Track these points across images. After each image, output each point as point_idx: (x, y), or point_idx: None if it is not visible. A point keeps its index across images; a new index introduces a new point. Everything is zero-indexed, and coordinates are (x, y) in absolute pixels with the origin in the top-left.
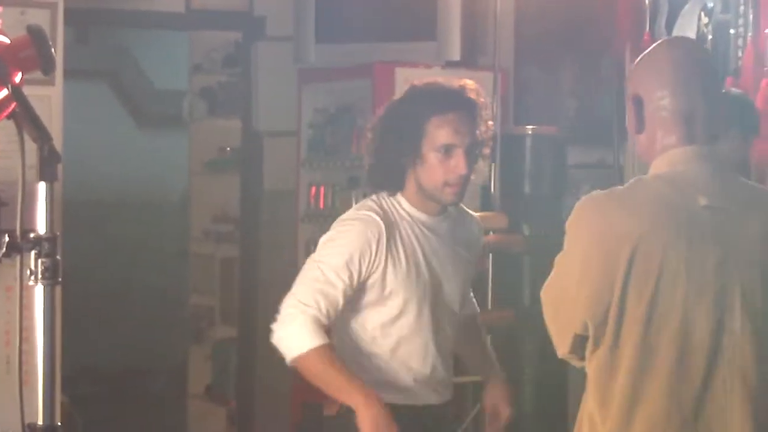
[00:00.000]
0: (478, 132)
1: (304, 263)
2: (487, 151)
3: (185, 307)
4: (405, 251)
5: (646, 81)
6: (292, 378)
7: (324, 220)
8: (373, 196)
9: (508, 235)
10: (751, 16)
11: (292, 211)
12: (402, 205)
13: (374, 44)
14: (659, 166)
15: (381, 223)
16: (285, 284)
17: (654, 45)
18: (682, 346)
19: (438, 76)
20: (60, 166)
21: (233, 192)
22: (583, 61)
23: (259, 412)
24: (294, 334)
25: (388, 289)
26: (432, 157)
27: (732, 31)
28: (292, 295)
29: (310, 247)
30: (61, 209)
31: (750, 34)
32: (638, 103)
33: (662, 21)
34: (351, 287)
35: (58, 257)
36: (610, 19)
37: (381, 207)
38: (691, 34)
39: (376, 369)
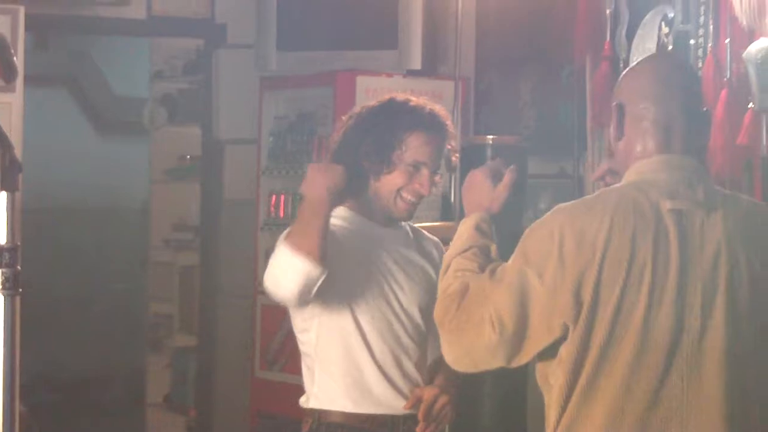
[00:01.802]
0: (443, 160)
1: (263, 273)
2: (437, 178)
3: (144, 316)
4: (346, 259)
5: (630, 90)
6: (250, 387)
7: (284, 229)
8: None
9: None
10: (711, 27)
11: (252, 220)
12: (344, 213)
13: (335, 52)
14: (630, 174)
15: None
16: (245, 293)
17: (644, 57)
18: (643, 343)
19: (410, 94)
20: (20, 176)
21: (193, 200)
22: (543, 71)
23: (218, 422)
24: (276, 259)
25: (335, 298)
26: (400, 170)
27: (692, 41)
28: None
29: (270, 255)
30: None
31: (710, 44)
32: (620, 110)
33: (623, 31)
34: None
35: (19, 267)
36: (570, 29)
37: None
38: (652, 45)
39: (354, 380)
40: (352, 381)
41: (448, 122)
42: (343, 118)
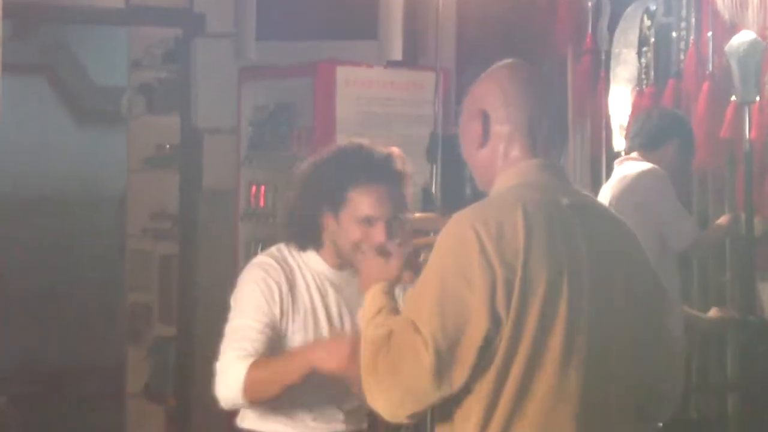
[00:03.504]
0: (400, 201)
1: (243, 263)
2: (407, 215)
3: (123, 306)
4: (303, 301)
5: (492, 97)
6: None
7: (264, 219)
8: (278, 246)
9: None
10: (693, 20)
11: (231, 210)
12: (310, 259)
13: (315, 42)
14: (508, 178)
15: (279, 270)
16: (224, 282)
17: (494, 66)
18: (565, 342)
19: (365, 139)
20: None
21: (172, 189)
22: (524, 61)
23: (197, 411)
24: (228, 378)
25: (286, 339)
26: (351, 226)
27: (674, 34)
28: (219, 359)
29: (251, 245)
30: None
31: (692, 37)
32: (485, 117)
33: (604, 23)
34: (271, 321)
35: None
36: (552, 21)
37: (282, 254)
38: (634, 37)
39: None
40: (287, 403)
41: (400, 166)
42: (299, 168)
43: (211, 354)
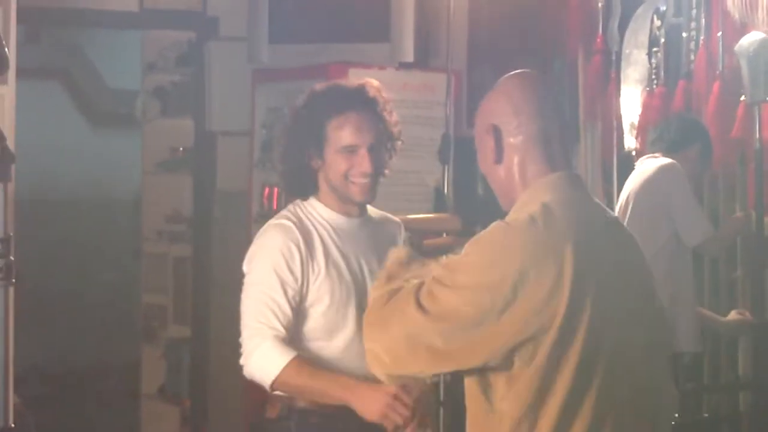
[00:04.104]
0: (381, 128)
1: None
2: (398, 144)
3: (138, 307)
4: (324, 257)
5: (503, 111)
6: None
7: None
8: (289, 206)
9: (462, 238)
10: (703, 20)
11: (244, 212)
12: (317, 209)
13: (327, 45)
14: (537, 195)
15: (296, 230)
16: (238, 284)
17: (502, 78)
18: (590, 350)
19: (343, 79)
20: (13, 167)
21: (186, 192)
22: (535, 63)
23: (212, 412)
24: (262, 360)
25: (310, 298)
26: (336, 159)
27: (684, 34)
28: (245, 327)
29: None
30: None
31: (702, 37)
32: (497, 132)
33: (615, 24)
34: (294, 291)
35: (12, 258)
36: (562, 21)
37: (296, 215)
38: (644, 38)
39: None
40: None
41: (374, 93)
42: (283, 121)
43: (225, 355)
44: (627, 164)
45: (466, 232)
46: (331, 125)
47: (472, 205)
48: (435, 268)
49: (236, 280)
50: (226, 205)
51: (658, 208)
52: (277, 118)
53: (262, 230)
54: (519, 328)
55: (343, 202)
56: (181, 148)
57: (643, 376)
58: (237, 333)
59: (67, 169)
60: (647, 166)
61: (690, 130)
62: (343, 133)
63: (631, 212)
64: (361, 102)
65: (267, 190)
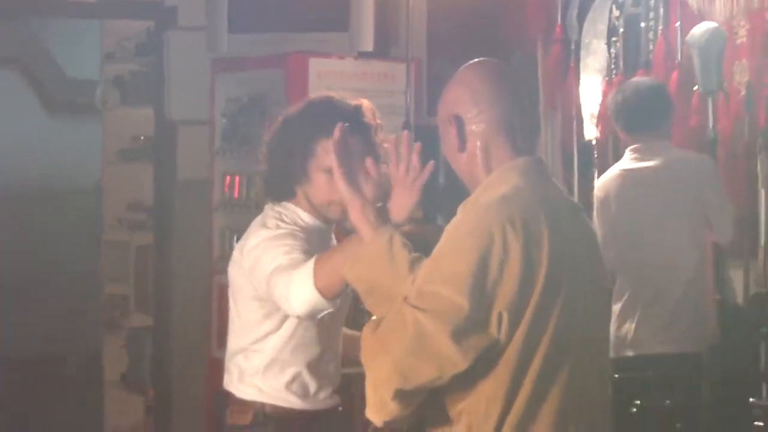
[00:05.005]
0: (370, 154)
1: (218, 253)
2: (383, 167)
3: (100, 296)
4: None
5: (463, 100)
6: (207, 367)
7: (239, 210)
8: (274, 211)
9: (423, 226)
10: (661, 10)
11: (206, 200)
12: (299, 215)
13: (287, 34)
14: (509, 177)
15: (291, 233)
16: (199, 273)
17: (462, 67)
18: (560, 337)
19: (334, 92)
20: None
21: (147, 181)
22: (495, 52)
23: (176, 401)
24: (299, 281)
25: None
26: (318, 178)
27: (643, 24)
28: (276, 270)
29: (225, 235)
30: None
31: (661, 27)
32: (459, 121)
33: (573, 14)
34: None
35: None
36: (522, 11)
37: (290, 223)
38: (603, 27)
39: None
40: (297, 378)
41: (369, 118)
42: (277, 119)
43: (188, 344)
44: (587, 153)
45: (428, 220)
46: (322, 144)
47: (433, 194)
48: (419, 271)
49: (198, 269)
50: (188, 194)
51: (692, 206)
52: (238, 107)
53: (278, 228)
54: (509, 299)
55: (316, 211)
56: (141, 137)
57: (602, 361)
58: (199, 319)
59: (27, 159)
60: (672, 157)
61: (663, 99)
62: (329, 154)
63: (663, 210)
64: (355, 126)
65: (228, 178)
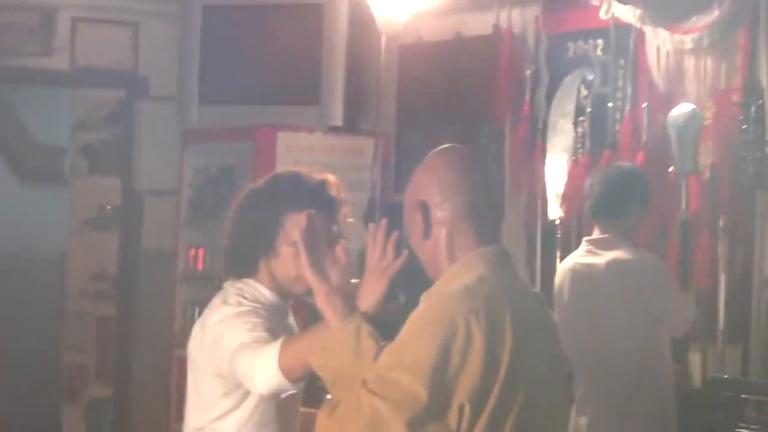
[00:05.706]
0: (335, 229)
1: (181, 325)
2: (343, 243)
3: (59, 365)
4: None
5: (429, 187)
6: None
7: (202, 282)
8: (235, 287)
9: (384, 304)
10: (629, 91)
11: (170, 272)
12: (262, 292)
13: (257, 107)
14: (473, 266)
15: (256, 310)
16: (161, 344)
17: (429, 154)
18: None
19: (300, 167)
20: None
21: (112, 250)
22: (464, 128)
23: None
24: (264, 358)
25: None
26: (285, 252)
27: (610, 104)
28: (240, 347)
29: (188, 308)
30: None
31: (628, 107)
32: (424, 208)
33: (542, 91)
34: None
35: None
36: (491, 88)
37: (252, 300)
38: (571, 106)
39: None
40: None
41: (334, 193)
42: (236, 197)
43: (147, 415)
44: (550, 233)
45: (389, 298)
46: (290, 218)
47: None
48: (380, 357)
49: (160, 341)
50: (152, 265)
51: (639, 305)
52: (206, 179)
53: (226, 320)
54: (471, 390)
55: (281, 287)
56: (108, 207)
57: None
58: (159, 391)
59: None
60: (619, 256)
61: (629, 185)
62: (296, 230)
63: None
64: (321, 201)
65: (192, 251)
